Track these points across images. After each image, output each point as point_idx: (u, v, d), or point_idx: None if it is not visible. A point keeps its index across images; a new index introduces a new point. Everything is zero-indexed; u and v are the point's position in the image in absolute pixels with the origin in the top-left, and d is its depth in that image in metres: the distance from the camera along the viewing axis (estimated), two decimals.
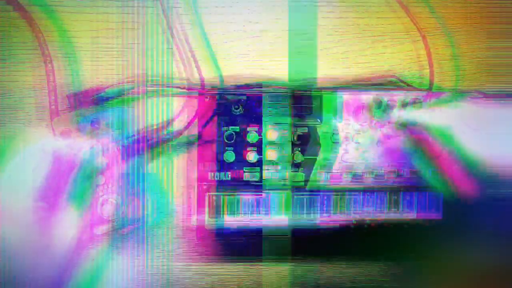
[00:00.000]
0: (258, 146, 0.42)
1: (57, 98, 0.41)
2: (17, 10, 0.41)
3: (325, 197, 0.42)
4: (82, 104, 0.40)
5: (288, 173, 0.42)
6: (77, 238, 0.33)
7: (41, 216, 0.32)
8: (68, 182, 0.33)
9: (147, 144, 0.41)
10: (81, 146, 0.35)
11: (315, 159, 0.42)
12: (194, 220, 0.41)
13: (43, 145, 0.34)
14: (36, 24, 0.41)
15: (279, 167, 0.42)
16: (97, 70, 0.42)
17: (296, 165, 0.42)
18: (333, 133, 0.42)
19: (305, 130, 0.42)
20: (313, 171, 0.42)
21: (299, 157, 0.42)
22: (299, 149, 0.42)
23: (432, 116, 0.42)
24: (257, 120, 0.42)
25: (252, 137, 0.41)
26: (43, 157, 0.33)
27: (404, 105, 0.42)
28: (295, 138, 0.42)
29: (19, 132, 0.41)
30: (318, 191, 0.42)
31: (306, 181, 0.42)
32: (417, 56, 0.45)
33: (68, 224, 0.33)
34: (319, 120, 0.42)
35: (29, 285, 0.31)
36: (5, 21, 0.41)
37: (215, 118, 0.41)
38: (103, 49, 0.42)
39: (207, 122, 0.41)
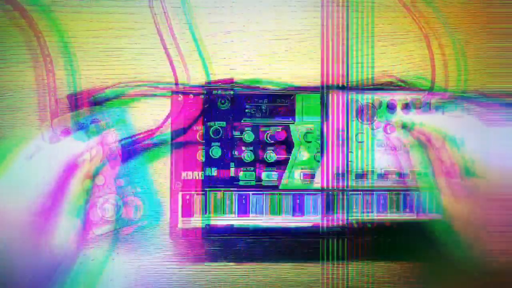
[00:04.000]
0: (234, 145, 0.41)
1: (57, 98, 0.41)
2: (17, 10, 0.41)
3: (320, 199, 0.42)
4: (81, 104, 0.40)
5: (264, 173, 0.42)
6: (76, 239, 0.33)
7: (41, 216, 0.32)
8: (67, 183, 0.33)
9: (144, 145, 0.41)
10: (81, 147, 0.35)
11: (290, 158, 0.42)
12: (178, 220, 0.41)
13: (43, 145, 0.34)
14: (35, 24, 0.41)
15: (252, 167, 0.41)
16: (96, 71, 0.42)
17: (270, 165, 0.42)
18: (320, 134, 0.42)
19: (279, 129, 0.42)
20: (289, 170, 0.42)
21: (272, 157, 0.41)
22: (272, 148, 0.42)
23: (433, 116, 0.42)
24: (236, 119, 0.41)
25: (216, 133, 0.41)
26: (42, 157, 0.33)
27: (405, 105, 0.42)
28: (267, 137, 0.41)
29: (19, 132, 0.41)
30: (310, 193, 0.42)
31: (279, 180, 0.41)
32: (419, 56, 0.45)
33: (67, 225, 0.33)
34: (291, 119, 0.42)
35: (28, 286, 0.31)
36: (5, 21, 0.41)
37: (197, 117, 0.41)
38: (102, 49, 0.42)
39: (194, 121, 0.41)
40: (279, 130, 0.42)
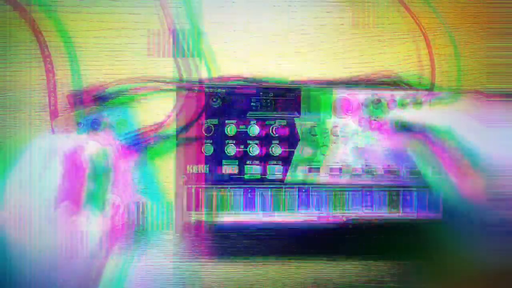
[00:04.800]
0: (238, 139, 0.41)
1: (57, 98, 0.41)
2: (17, 10, 0.41)
3: (323, 195, 0.42)
4: (82, 104, 0.40)
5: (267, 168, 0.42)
6: (80, 239, 0.33)
7: (43, 218, 0.32)
8: (67, 184, 0.33)
9: (146, 143, 0.41)
10: (81, 147, 0.35)
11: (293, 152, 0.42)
12: (186, 216, 0.41)
13: (43, 146, 0.34)
14: (36, 24, 0.41)
15: (258, 162, 0.41)
16: (97, 70, 0.42)
17: (275, 158, 0.42)
18: (323, 131, 0.42)
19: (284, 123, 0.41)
20: (293, 166, 0.42)
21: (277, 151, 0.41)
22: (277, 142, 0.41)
23: (432, 116, 0.42)
24: (239, 114, 0.41)
25: (230, 130, 0.41)
26: (42, 157, 0.33)
27: (404, 105, 0.42)
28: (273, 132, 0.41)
29: (19, 132, 0.41)
30: (313, 189, 0.42)
31: (284, 175, 0.41)
32: (418, 55, 0.45)
33: (72, 226, 0.33)
34: (297, 114, 0.42)
35: (36, 285, 0.31)
36: (5, 21, 0.41)
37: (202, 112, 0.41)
38: (103, 49, 0.42)
39: (198, 117, 0.41)
40: (285, 124, 0.42)
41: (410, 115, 0.42)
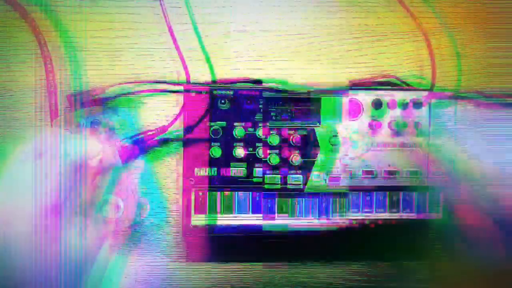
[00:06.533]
0: (246, 142, 0.41)
1: (57, 98, 0.41)
2: (17, 10, 0.41)
3: (324, 199, 0.42)
4: (82, 104, 0.40)
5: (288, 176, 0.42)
6: (80, 239, 0.33)
7: (42, 217, 0.32)
8: (67, 184, 0.33)
9: (147, 144, 0.41)
10: (81, 147, 0.35)
11: (314, 161, 0.42)
12: (185, 218, 0.41)
13: (43, 146, 0.34)
14: (36, 24, 0.41)
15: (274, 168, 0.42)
16: (97, 70, 0.42)
17: (293, 167, 0.42)
18: (332, 135, 0.42)
19: (304, 132, 0.42)
20: (311, 173, 0.42)
21: (297, 159, 0.41)
22: (298, 151, 0.42)
23: (432, 116, 0.42)
24: (246, 117, 0.41)
25: (239, 132, 0.41)
26: (42, 158, 0.33)
27: (404, 105, 0.42)
28: (293, 140, 0.41)
29: (19, 133, 0.41)
30: (317, 192, 0.42)
31: (304, 183, 0.42)
32: (418, 56, 0.45)
33: (71, 226, 0.33)
34: (318, 124, 0.42)
35: (34, 286, 0.31)
36: (5, 21, 0.41)
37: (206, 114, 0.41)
38: (103, 49, 0.42)
39: (201, 119, 0.41)
40: (305, 133, 0.42)
41: (410, 115, 0.42)
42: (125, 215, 0.40)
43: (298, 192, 0.42)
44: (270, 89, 0.42)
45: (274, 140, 0.41)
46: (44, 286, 0.31)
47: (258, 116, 0.41)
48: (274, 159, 0.41)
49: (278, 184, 0.41)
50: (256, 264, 0.44)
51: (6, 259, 0.31)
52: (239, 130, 0.41)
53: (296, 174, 0.41)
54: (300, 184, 0.42)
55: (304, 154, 0.42)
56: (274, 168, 0.41)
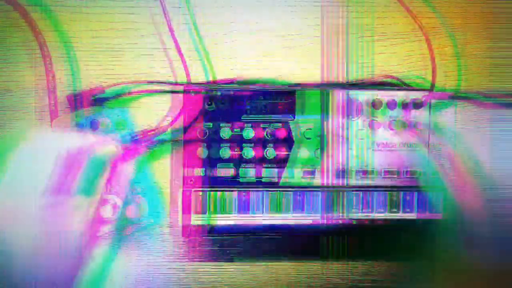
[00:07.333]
0: (234, 143, 0.41)
1: (57, 98, 0.41)
2: (17, 10, 0.41)
3: (321, 196, 0.42)
4: (81, 104, 0.40)
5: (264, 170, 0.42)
6: (78, 239, 0.33)
7: (41, 217, 0.32)
8: (66, 184, 0.33)
9: (145, 144, 0.41)
10: (81, 147, 0.35)
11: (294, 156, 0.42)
12: (181, 218, 0.41)
13: (43, 146, 0.34)
14: (35, 24, 0.41)
15: (254, 165, 0.41)
16: (96, 71, 0.42)
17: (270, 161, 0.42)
18: (319, 132, 0.42)
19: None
20: (290, 168, 0.42)
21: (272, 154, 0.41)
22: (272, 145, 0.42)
23: (433, 116, 0.42)
24: (234, 118, 0.41)
25: (225, 133, 0.41)
26: (42, 158, 0.33)
27: (405, 105, 0.42)
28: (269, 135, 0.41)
29: (19, 133, 0.41)
30: (310, 190, 0.42)
31: (279, 178, 0.42)
32: (418, 55, 0.45)
33: (69, 225, 0.33)
34: (292, 117, 0.41)
35: (30, 284, 0.31)
36: (5, 21, 0.41)
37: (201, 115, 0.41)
38: (103, 49, 0.42)
39: (195, 119, 0.41)
40: (279, 127, 0.42)
41: (410, 115, 0.42)
42: (124, 215, 0.40)
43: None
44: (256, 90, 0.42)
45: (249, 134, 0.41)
46: (44, 286, 0.31)
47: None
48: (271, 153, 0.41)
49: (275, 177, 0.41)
50: (256, 264, 0.44)
51: (6, 259, 0.31)
52: (248, 131, 0.41)
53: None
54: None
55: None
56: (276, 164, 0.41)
